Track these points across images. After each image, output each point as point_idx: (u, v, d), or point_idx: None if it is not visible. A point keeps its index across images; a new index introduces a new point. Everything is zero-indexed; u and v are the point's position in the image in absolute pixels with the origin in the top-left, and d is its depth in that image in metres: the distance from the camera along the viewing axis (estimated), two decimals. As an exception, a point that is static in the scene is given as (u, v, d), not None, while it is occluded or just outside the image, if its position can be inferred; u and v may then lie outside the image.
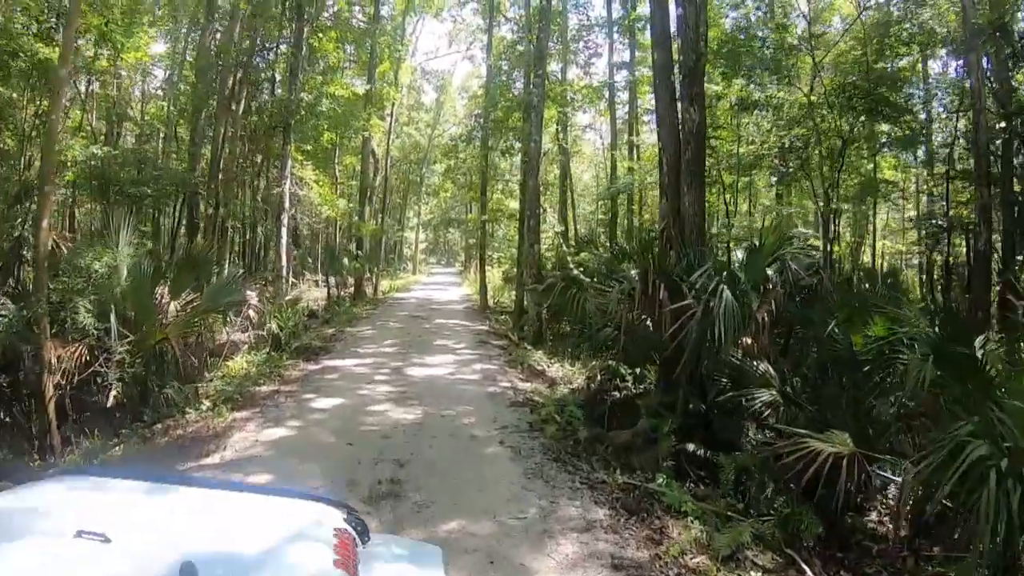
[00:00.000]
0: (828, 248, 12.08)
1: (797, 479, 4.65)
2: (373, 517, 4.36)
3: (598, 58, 22.79)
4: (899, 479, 5.20)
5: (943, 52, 14.64)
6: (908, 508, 4.68)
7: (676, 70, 7.71)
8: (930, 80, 16.25)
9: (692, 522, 4.71)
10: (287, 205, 15.04)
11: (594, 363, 9.36)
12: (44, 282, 6.94)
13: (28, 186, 10.00)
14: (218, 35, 15.34)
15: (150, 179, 13.09)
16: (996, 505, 3.31)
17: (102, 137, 14.87)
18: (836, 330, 5.86)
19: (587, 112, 25.83)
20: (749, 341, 6.33)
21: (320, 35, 16.63)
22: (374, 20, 21.63)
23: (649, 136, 21.51)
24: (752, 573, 4.12)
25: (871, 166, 15.86)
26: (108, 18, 11.03)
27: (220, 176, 14.47)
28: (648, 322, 7.06)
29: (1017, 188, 11.19)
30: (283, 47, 16.52)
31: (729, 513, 4.92)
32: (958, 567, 4.00)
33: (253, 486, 2.31)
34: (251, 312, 10.84)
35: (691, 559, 4.22)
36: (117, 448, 6.27)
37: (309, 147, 18.57)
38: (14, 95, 10.60)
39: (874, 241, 18.70)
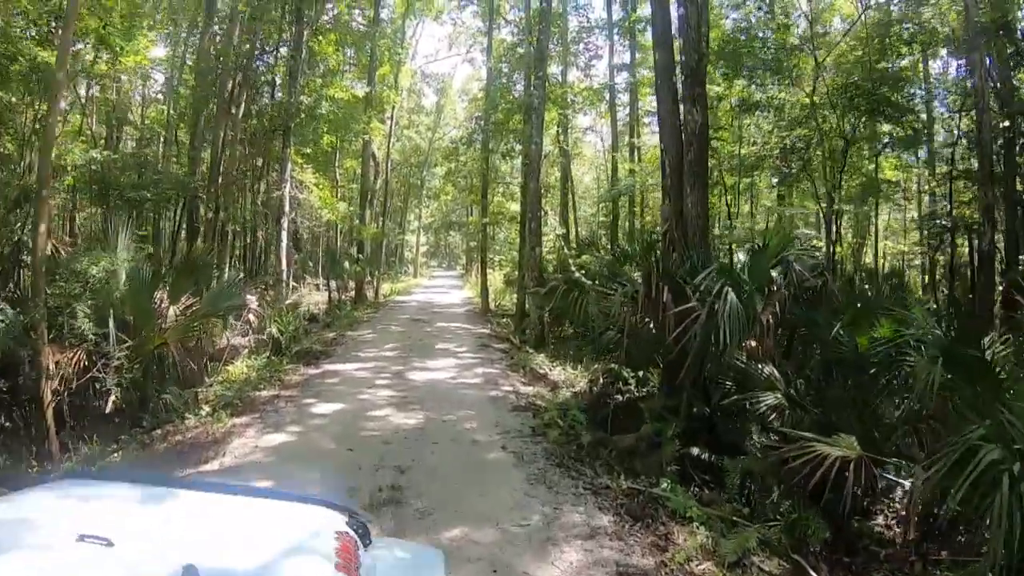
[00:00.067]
0: (831, 249, 12.04)
1: (803, 483, 4.59)
2: (374, 525, 4.23)
3: (598, 60, 22.76)
4: (905, 482, 5.15)
5: (944, 52, 14.63)
6: (916, 512, 4.62)
7: (678, 71, 7.67)
8: (931, 80, 16.22)
9: (698, 528, 4.64)
10: (287, 208, 14.99)
11: (596, 366, 9.30)
12: (41, 287, 6.89)
13: (27, 191, 9.95)
14: (218, 38, 15.31)
15: (150, 183, 13.03)
16: (1009, 510, 3.25)
17: (102, 141, 14.82)
18: (841, 332, 5.81)
19: (588, 114, 25.88)
20: (753, 344, 6.27)
21: (320, 38, 16.59)
22: (374, 23, 21.63)
23: (650, 138, 21.49)
24: (759, 580, 4.05)
25: (872, 166, 15.82)
26: (106, 21, 10.97)
27: (220, 180, 14.42)
28: (651, 325, 7.01)
29: (1020, 187, 11.14)
30: (283, 50, 16.48)
31: (735, 518, 4.86)
32: (967, 572, 3.95)
33: (256, 489, 2.29)
34: (251, 316, 10.81)
35: (697, 566, 4.15)
36: (116, 454, 6.21)
37: (309, 150, 18.53)
38: (13, 99, 10.57)
39: (876, 242, 18.66)
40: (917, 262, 18.81)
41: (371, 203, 26.02)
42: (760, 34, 13.32)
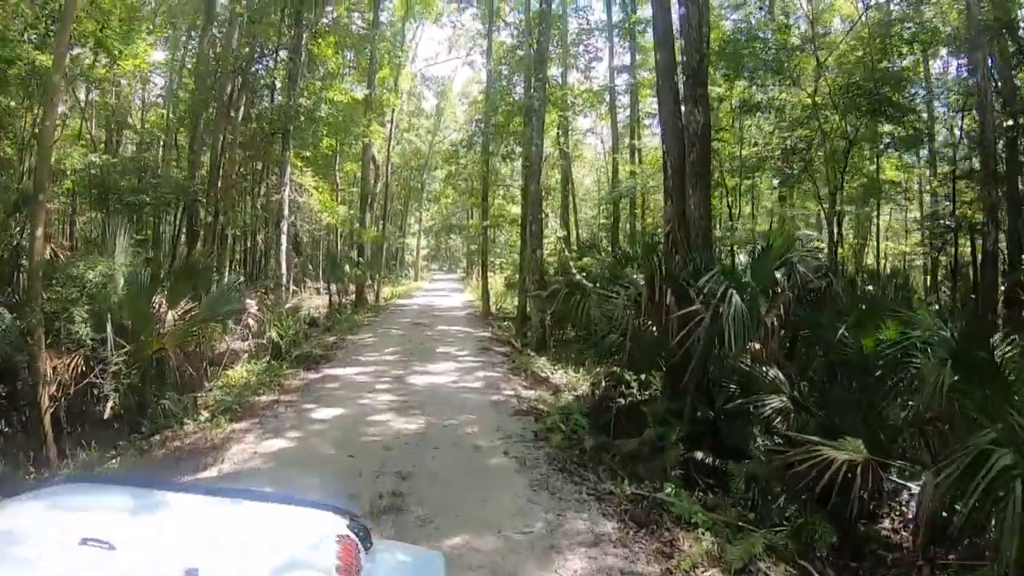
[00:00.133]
0: (833, 250, 11.98)
1: (809, 487, 4.53)
2: (375, 532, 4.20)
3: (599, 62, 22.68)
4: (912, 484, 5.08)
5: (944, 51, 14.58)
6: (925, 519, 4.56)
7: (679, 71, 7.62)
8: (932, 80, 16.16)
9: (703, 534, 4.58)
10: (287, 212, 14.94)
11: (599, 369, 9.22)
12: (38, 292, 6.84)
13: (26, 195, 9.91)
14: (217, 42, 15.27)
15: (149, 187, 12.98)
16: (1022, 517, 3.19)
17: (102, 145, 14.80)
18: (846, 334, 5.75)
19: (588, 116, 25.76)
20: (757, 346, 6.21)
21: (319, 41, 16.55)
22: (373, 26, 21.61)
23: (650, 140, 21.45)
24: (766, 586, 3.99)
25: (874, 167, 15.76)
26: (104, 24, 10.93)
27: (220, 183, 14.38)
28: (654, 328, 6.94)
29: (1023, 187, 11.09)
30: (282, 53, 16.42)
31: (740, 523, 4.79)
32: (975, 576, 3.89)
33: (258, 492, 2.27)
34: (251, 320, 10.76)
35: (703, 573, 4.10)
36: (114, 460, 6.17)
37: (309, 153, 18.49)
38: (12, 103, 10.53)
39: (877, 243, 18.59)
40: (918, 263, 18.73)
41: (371, 206, 25.99)
42: (761, 35, 13.28)
